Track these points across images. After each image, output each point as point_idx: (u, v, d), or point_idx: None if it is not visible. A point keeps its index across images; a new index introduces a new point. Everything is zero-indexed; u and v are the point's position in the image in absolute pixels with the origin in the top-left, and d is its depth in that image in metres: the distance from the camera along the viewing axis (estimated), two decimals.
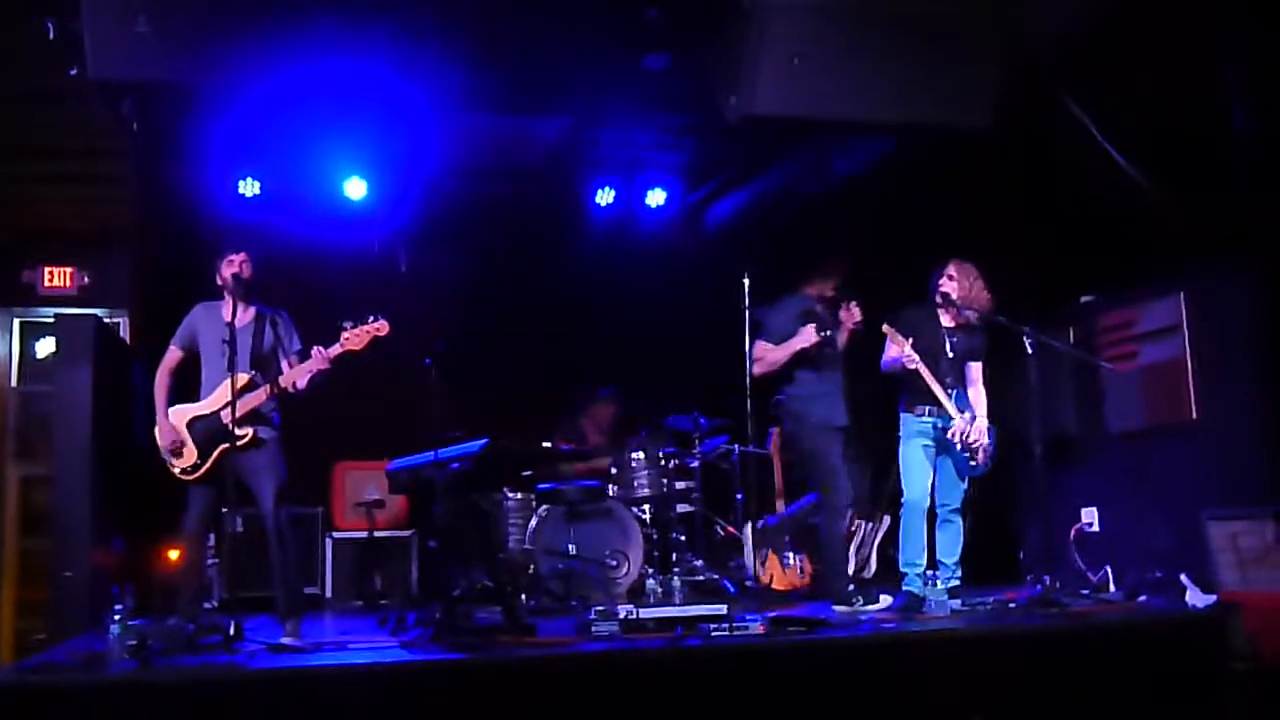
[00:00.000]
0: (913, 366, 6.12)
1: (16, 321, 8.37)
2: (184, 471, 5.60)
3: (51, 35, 5.61)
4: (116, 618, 4.70)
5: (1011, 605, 5.85)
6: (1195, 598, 5.74)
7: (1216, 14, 6.20)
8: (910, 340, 6.16)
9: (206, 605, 6.90)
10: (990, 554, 7.37)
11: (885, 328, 6.22)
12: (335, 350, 5.60)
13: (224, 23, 5.54)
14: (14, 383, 8.33)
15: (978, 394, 6.42)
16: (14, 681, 4.38)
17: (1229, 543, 5.94)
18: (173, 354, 5.75)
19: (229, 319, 5.51)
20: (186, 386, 5.77)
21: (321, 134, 7.65)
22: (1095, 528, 7.15)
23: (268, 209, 8.19)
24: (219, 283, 5.67)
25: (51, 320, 6.86)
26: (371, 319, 5.67)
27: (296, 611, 5.57)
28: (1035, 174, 7.38)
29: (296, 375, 5.62)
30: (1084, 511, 7.20)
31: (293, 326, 5.84)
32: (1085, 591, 6.47)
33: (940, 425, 6.25)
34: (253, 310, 5.73)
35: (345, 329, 5.63)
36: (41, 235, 8.33)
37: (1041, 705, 4.94)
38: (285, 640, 5.27)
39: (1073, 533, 7.22)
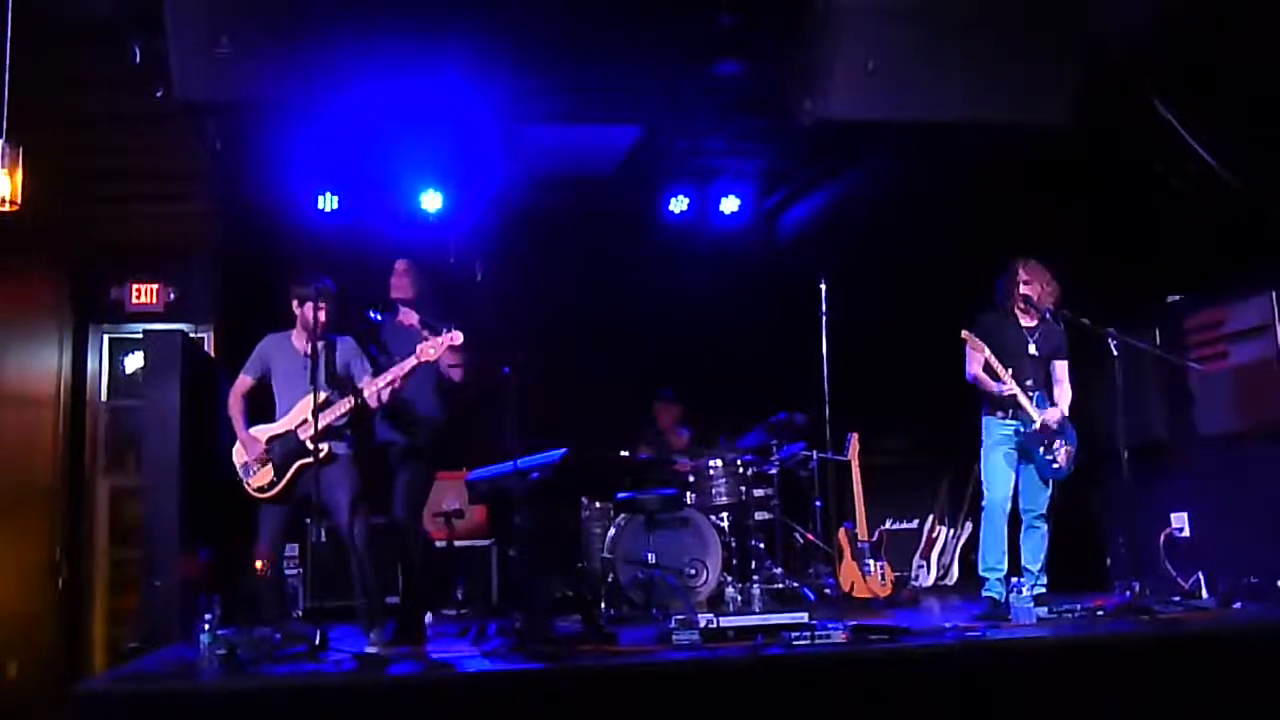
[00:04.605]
0: (986, 385, 6.12)
1: (105, 338, 8.55)
2: (260, 490, 5.73)
3: (138, 59, 5.74)
4: (206, 627, 4.79)
5: (1100, 612, 5.73)
6: None
7: None
8: (989, 348, 6.13)
9: (294, 613, 7.05)
10: (1077, 561, 7.24)
11: (965, 334, 6.16)
12: (411, 363, 5.71)
13: (302, 42, 5.63)
14: (103, 397, 8.51)
15: (1063, 392, 6.35)
16: (107, 689, 4.49)
17: None
18: (244, 381, 5.90)
19: (302, 347, 5.75)
20: (258, 413, 5.91)
21: (398, 148, 7.75)
22: (1186, 533, 6.98)
23: (346, 223, 8.32)
24: (297, 312, 5.82)
25: (139, 336, 7.01)
26: (445, 329, 5.78)
27: (380, 621, 5.64)
28: (1119, 172, 7.23)
29: (375, 390, 5.71)
30: (1174, 516, 7.04)
31: (359, 348, 5.96)
32: (1176, 598, 6.30)
33: (1022, 429, 6.18)
34: None
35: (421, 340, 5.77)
36: (128, 253, 8.51)
37: (1132, 716, 4.83)
38: (369, 649, 5.33)
39: (1162, 538, 7.06)
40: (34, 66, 5.19)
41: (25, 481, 7.50)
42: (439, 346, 5.72)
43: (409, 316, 6.14)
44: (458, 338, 5.77)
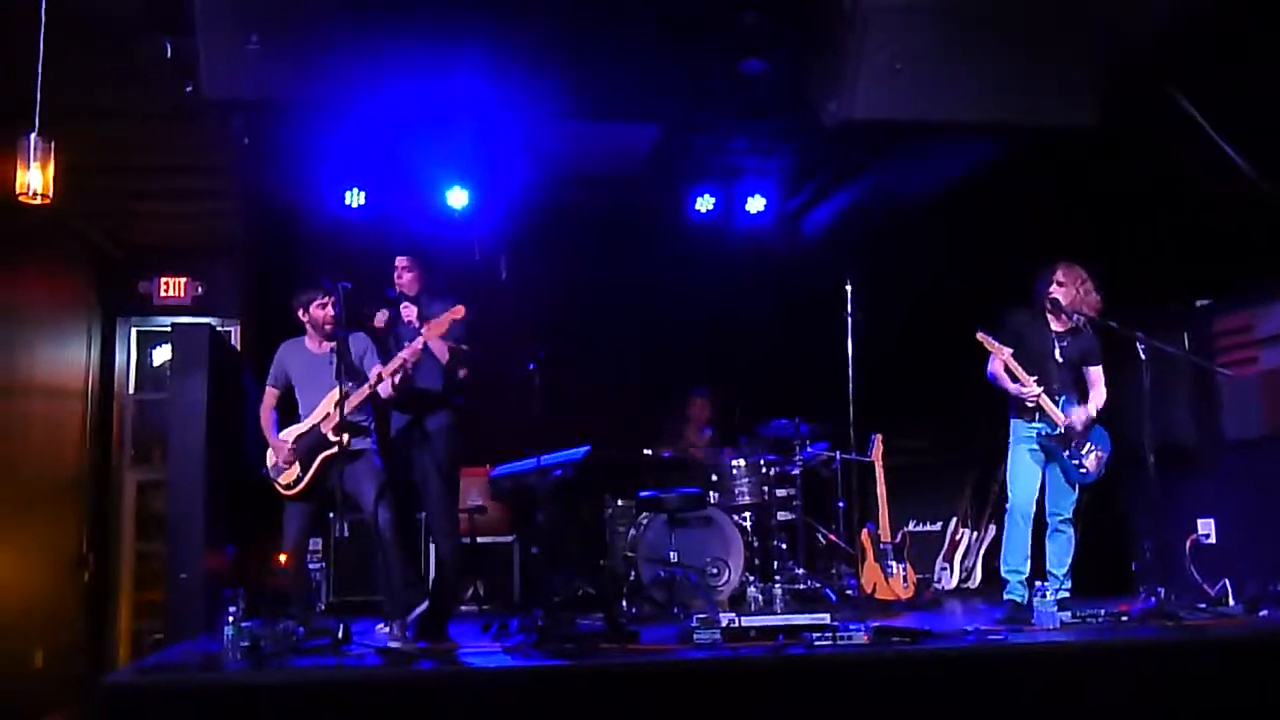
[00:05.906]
0: (1004, 384, 6.09)
1: (133, 331, 8.64)
2: (287, 487, 5.81)
3: (168, 54, 5.79)
4: (230, 620, 4.82)
5: (1124, 618, 5.68)
6: None
7: None
8: (1011, 350, 6.09)
9: (318, 608, 7.09)
10: (1102, 565, 7.19)
11: (980, 336, 6.12)
12: (419, 343, 5.80)
13: (329, 41, 5.66)
14: (131, 390, 8.58)
15: (1097, 397, 6.28)
16: (132, 681, 4.53)
17: None
18: (270, 394, 6.01)
19: (316, 349, 5.88)
20: (288, 420, 6.00)
21: (423, 146, 7.77)
22: (1212, 539, 6.93)
23: (372, 219, 8.36)
24: (304, 319, 5.90)
25: (167, 329, 7.06)
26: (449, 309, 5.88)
27: (403, 615, 5.66)
28: (1146, 173, 7.18)
29: (388, 375, 5.78)
30: (1200, 522, 6.99)
31: (371, 344, 6.01)
32: (1202, 605, 6.24)
33: (1047, 432, 6.14)
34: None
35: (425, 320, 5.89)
36: (157, 247, 8.59)
37: None
38: (392, 644, 5.35)
39: (1188, 544, 7.00)
40: (65, 62, 5.23)
41: (53, 473, 7.57)
42: (443, 323, 5.80)
43: (409, 311, 6.19)
44: (460, 311, 5.84)
